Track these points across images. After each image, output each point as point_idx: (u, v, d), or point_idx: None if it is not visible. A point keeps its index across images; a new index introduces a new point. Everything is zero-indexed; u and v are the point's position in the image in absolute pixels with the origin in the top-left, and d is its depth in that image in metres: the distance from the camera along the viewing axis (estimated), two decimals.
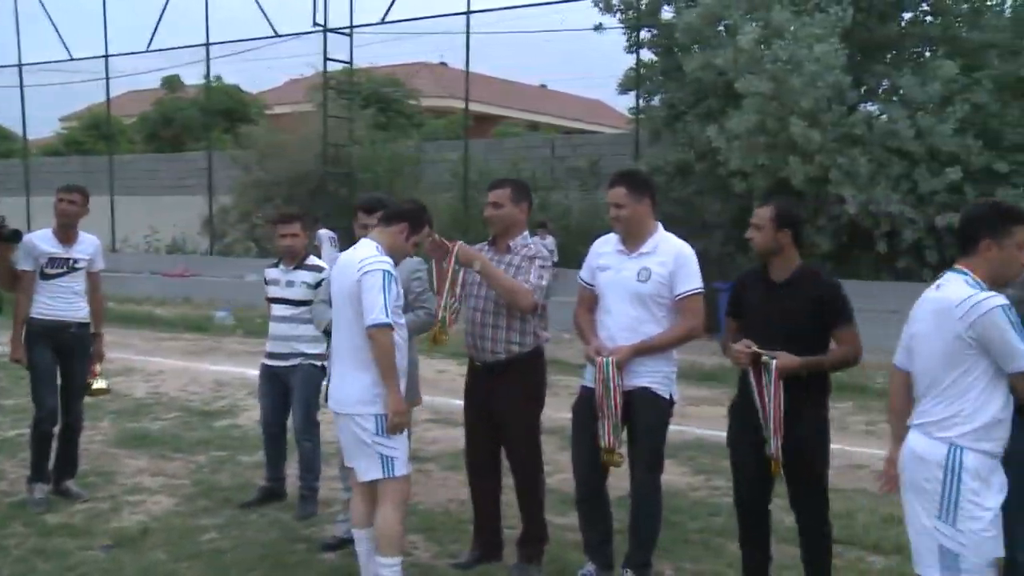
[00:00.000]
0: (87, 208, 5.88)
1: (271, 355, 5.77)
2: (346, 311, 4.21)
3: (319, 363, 5.64)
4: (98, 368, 6.01)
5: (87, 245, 5.93)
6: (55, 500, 5.79)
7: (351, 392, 4.20)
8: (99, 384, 6.02)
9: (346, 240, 14.27)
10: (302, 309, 5.59)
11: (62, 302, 5.77)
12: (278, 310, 5.74)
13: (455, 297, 4.53)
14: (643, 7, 16.22)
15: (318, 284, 5.56)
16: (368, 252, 4.20)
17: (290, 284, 5.69)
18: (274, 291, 5.77)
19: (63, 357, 5.81)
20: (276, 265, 5.83)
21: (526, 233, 4.78)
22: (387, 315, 4.04)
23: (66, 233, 5.84)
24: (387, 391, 4.09)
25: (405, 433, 4.25)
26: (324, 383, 5.19)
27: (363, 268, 4.12)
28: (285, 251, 5.76)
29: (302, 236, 5.77)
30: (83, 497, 5.89)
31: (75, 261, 5.83)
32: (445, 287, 4.51)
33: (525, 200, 4.78)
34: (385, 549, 4.17)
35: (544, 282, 4.59)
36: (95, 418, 7.70)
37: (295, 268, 5.70)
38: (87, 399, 6.06)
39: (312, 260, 5.78)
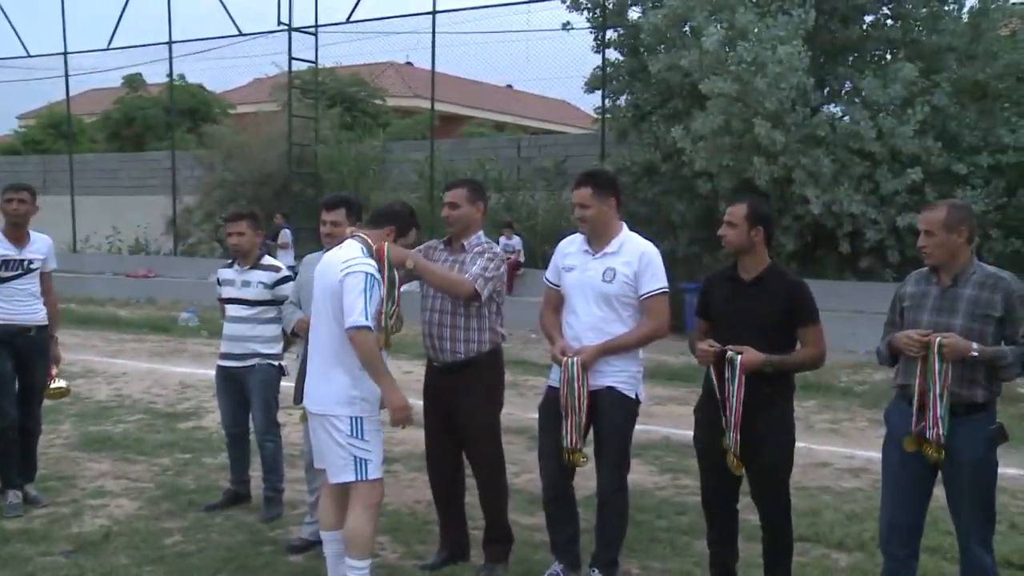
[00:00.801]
0: (36, 206, 5.79)
1: (226, 356, 5.70)
2: (326, 310, 4.18)
3: (276, 363, 5.62)
4: (55, 371, 5.92)
5: (40, 245, 5.82)
6: None
7: (327, 392, 4.17)
8: (57, 384, 5.92)
9: (311, 240, 14.21)
10: (259, 309, 5.56)
11: (20, 305, 5.67)
12: (234, 310, 5.68)
13: (395, 303, 4.26)
14: (610, 7, 16.27)
15: (275, 284, 5.55)
16: (352, 253, 4.16)
17: (246, 284, 5.64)
18: (229, 291, 5.71)
19: (22, 361, 5.70)
20: (231, 265, 5.79)
21: (480, 233, 4.77)
22: (367, 318, 4.01)
23: (17, 233, 5.72)
24: (382, 390, 4.09)
25: (380, 435, 4.23)
26: (290, 383, 5.15)
27: (346, 269, 4.08)
28: (233, 249, 5.72)
29: (249, 235, 5.69)
30: (43, 502, 5.78)
31: (30, 262, 5.72)
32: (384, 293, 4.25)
33: (481, 200, 4.79)
34: (355, 551, 4.14)
35: (490, 273, 4.55)
36: (55, 421, 7.59)
37: (250, 268, 5.65)
38: (45, 402, 5.97)
39: (267, 260, 5.73)
